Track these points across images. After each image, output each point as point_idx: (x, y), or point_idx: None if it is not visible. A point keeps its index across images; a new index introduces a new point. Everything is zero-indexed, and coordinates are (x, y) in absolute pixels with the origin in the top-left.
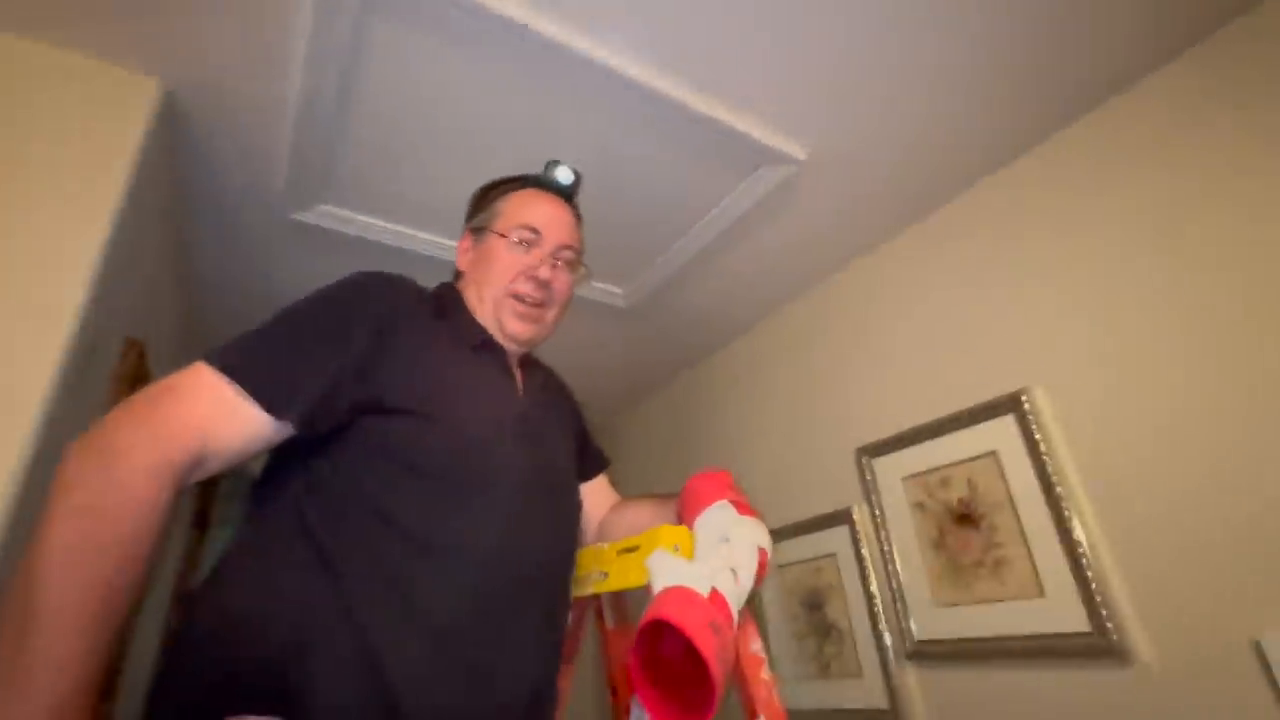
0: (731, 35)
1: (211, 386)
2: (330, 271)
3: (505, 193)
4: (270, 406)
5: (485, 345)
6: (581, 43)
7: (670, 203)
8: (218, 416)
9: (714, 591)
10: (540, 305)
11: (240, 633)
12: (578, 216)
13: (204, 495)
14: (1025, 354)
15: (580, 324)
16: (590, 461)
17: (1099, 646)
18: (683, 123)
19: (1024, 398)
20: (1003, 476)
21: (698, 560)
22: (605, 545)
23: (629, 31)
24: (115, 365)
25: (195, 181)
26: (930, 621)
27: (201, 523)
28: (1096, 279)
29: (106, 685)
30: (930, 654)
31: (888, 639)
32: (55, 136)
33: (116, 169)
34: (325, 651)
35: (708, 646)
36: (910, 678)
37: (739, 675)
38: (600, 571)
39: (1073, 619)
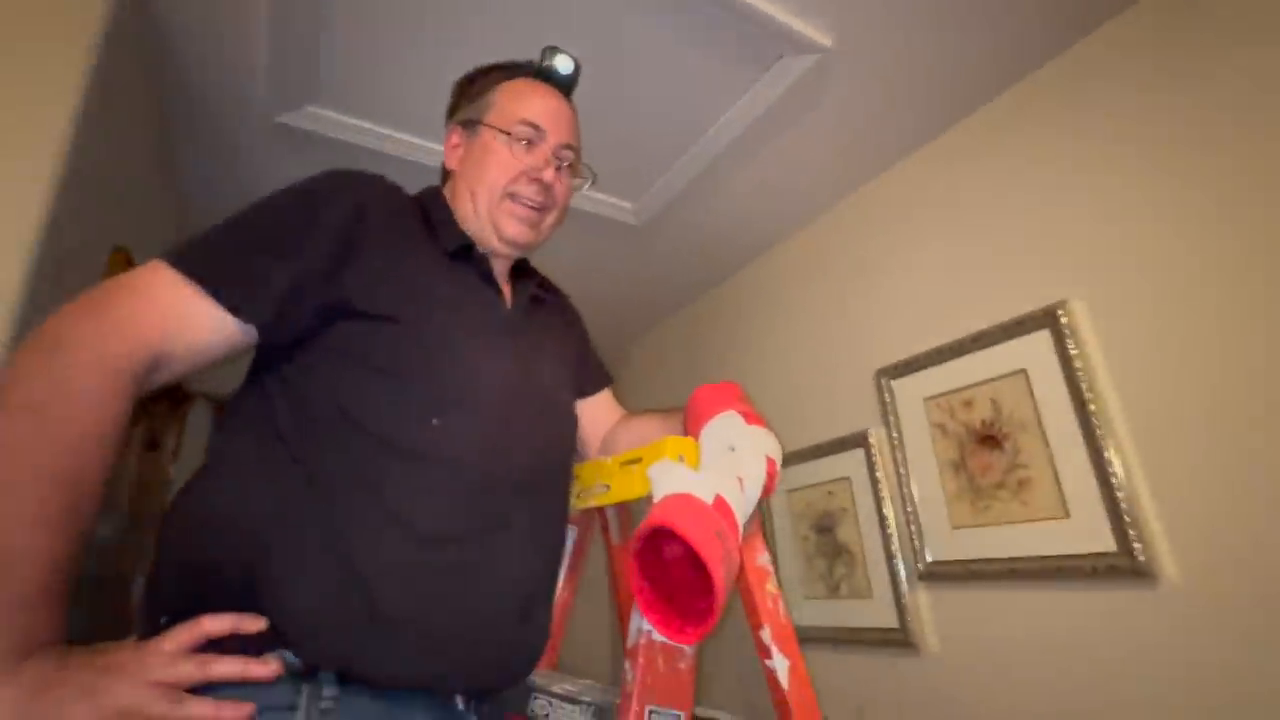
0: None
1: (170, 284)
2: None
3: (498, 81)
4: (232, 307)
5: (464, 252)
6: None
7: (685, 101)
8: (177, 316)
9: (719, 498)
10: (541, 209)
11: (213, 533)
12: (575, 112)
13: None
14: (1063, 265)
15: (588, 241)
16: (592, 376)
17: (1124, 567)
18: (695, 4)
19: (1061, 311)
20: (1031, 395)
21: (703, 469)
22: (608, 458)
23: None
24: (103, 275)
25: (174, 85)
26: (945, 543)
27: None
28: (1142, 184)
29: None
30: (943, 575)
31: (900, 561)
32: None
33: (76, 50)
34: (298, 550)
35: (711, 553)
36: (921, 598)
37: (744, 587)
38: (602, 484)
39: (1097, 540)
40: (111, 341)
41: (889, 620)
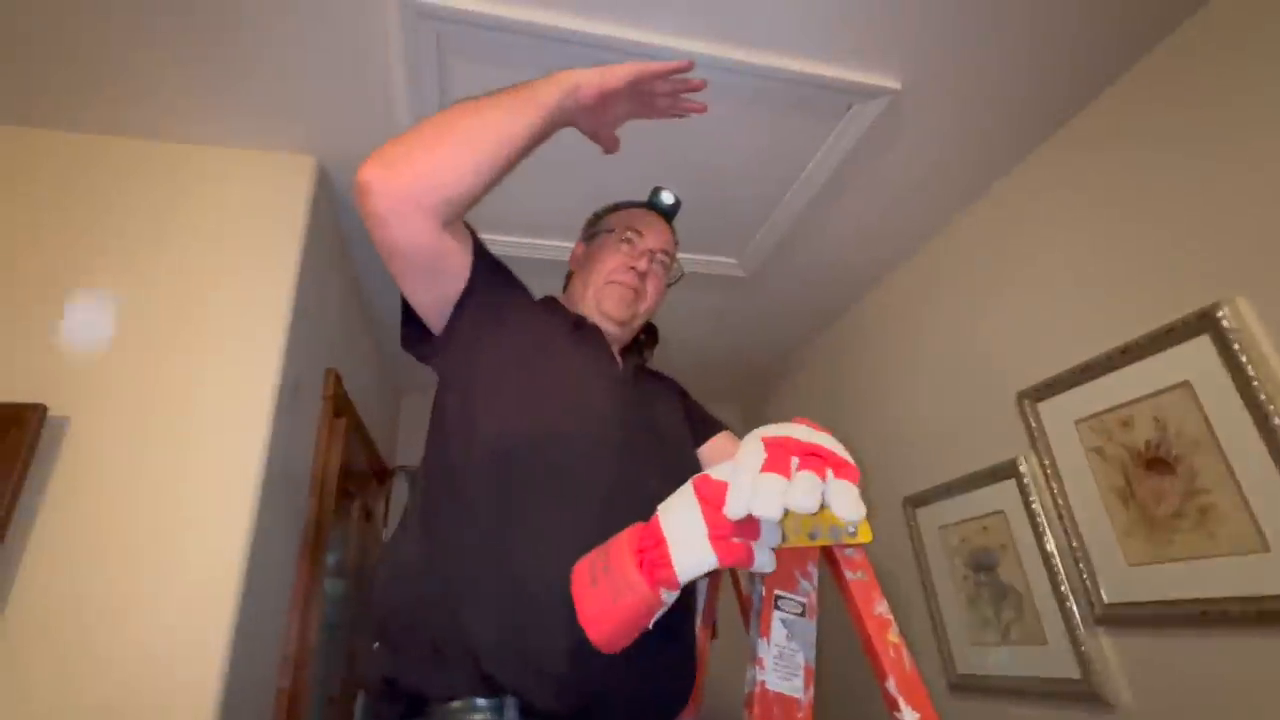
0: None
1: None
2: None
3: (617, 209)
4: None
5: (582, 324)
6: (636, 35)
7: (768, 163)
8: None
9: (654, 519)
10: (635, 292)
11: (409, 578)
12: (675, 239)
13: None
14: (1219, 261)
15: (704, 299)
16: (702, 423)
17: None
18: (755, 83)
19: (1221, 313)
20: (1200, 410)
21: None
22: None
23: (678, 12)
24: (321, 393)
25: (355, 235)
26: (1122, 583)
27: None
28: None
29: None
30: (1126, 619)
31: (1072, 602)
32: (246, 213)
33: (294, 232)
34: (476, 593)
35: (579, 594)
36: (1104, 645)
37: (864, 638)
38: None
39: None
40: None
41: (1069, 670)
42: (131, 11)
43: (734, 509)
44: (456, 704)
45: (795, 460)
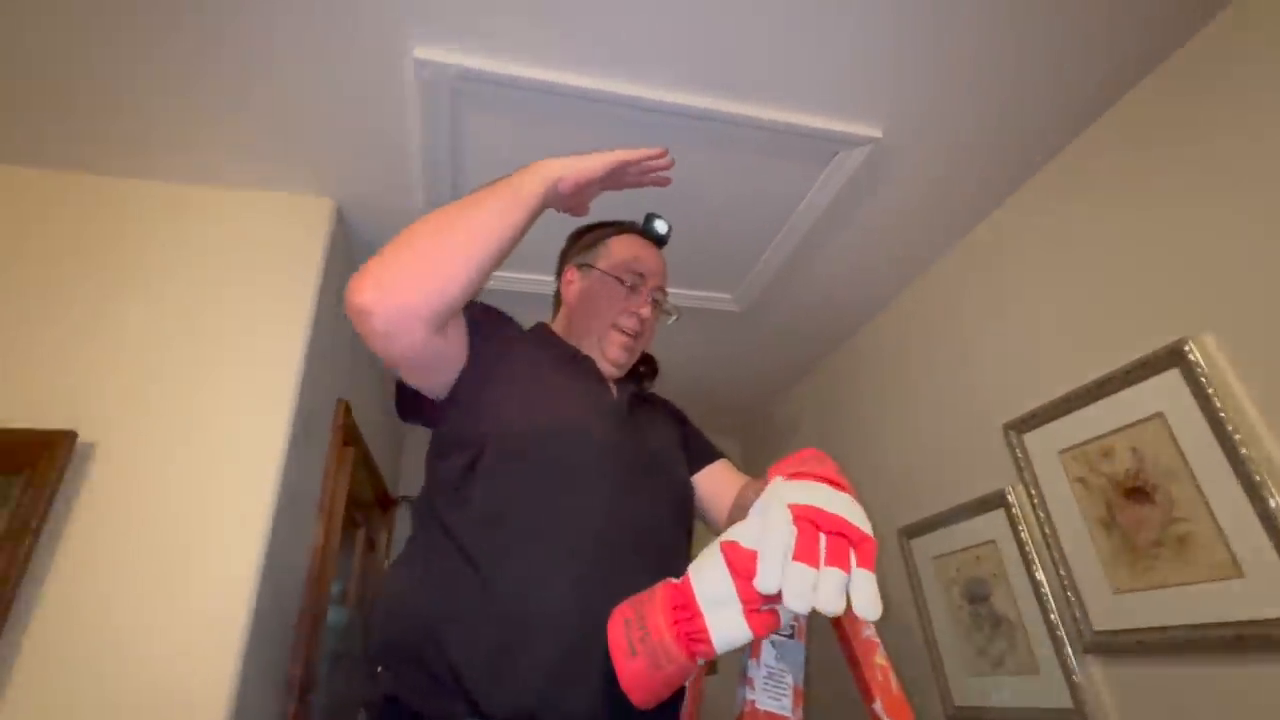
0: (766, 42)
1: None
2: None
3: (610, 234)
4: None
5: (577, 357)
6: (635, 90)
7: (759, 205)
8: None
9: (685, 577)
10: (636, 337)
11: (403, 608)
12: (665, 261)
13: None
14: (1187, 299)
15: (700, 333)
16: (699, 450)
17: None
18: (746, 132)
19: (1188, 348)
20: (1174, 440)
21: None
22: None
23: (674, 68)
24: (330, 423)
25: None
26: (1109, 610)
27: None
28: (1270, 201)
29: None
30: (1113, 647)
31: (1062, 631)
32: (266, 251)
33: (311, 271)
34: (464, 620)
35: (615, 640)
36: (1095, 674)
37: (851, 660)
38: None
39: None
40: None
41: (1061, 700)
42: (161, 64)
43: (766, 585)
44: None
45: (823, 540)
